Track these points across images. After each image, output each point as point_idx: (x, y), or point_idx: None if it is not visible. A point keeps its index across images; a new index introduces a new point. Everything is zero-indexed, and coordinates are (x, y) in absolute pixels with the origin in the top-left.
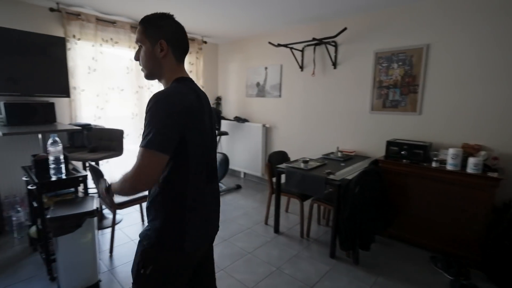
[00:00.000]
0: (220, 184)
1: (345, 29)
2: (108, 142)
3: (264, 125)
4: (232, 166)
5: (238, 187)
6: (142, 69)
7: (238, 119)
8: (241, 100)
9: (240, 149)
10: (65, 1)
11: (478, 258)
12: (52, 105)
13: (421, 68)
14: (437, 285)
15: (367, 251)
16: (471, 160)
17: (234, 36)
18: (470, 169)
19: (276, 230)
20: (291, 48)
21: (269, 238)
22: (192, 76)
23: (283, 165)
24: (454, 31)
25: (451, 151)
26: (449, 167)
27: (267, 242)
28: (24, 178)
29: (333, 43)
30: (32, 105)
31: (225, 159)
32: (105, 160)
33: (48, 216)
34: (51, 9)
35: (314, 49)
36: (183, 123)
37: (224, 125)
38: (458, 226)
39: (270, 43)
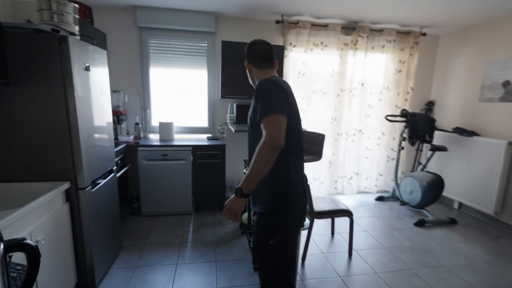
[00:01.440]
0: (423, 211)
1: None
2: (308, 145)
3: (510, 143)
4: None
5: (452, 222)
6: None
7: (460, 131)
8: (469, 106)
9: (457, 171)
10: (288, 12)
11: None
12: None
13: None
14: None
15: None
16: None
17: (468, 21)
18: None
19: None
20: None
21: None
22: (400, 76)
23: None
24: None
25: None
26: None
27: None
28: (245, 171)
29: None
30: None
31: (438, 182)
32: None
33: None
34: (277, 21)
35: None
36: (286, 99)
37: (437, 138)
38: None
39: None
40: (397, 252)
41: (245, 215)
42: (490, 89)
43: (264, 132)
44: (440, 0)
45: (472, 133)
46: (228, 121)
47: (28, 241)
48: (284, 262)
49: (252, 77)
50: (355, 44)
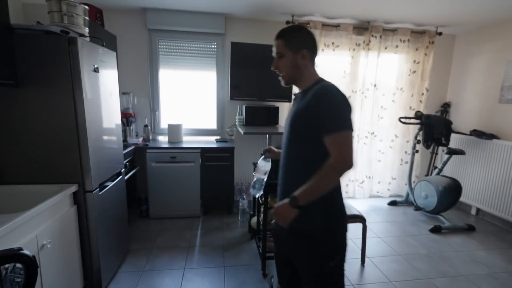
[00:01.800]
0: (439, 216)
1: None
2: None
3: None
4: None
5: (470, 228)
6: (281, 76)
7: (478, 134)
8: (488, 108)
9: (475, 175)
10: (298, 12)
11: None
12: (276, 109)
13: None
14: None
15: None
16: None
17: (486, 20)
18: None
19: None
20: None
21: None
22: (415, 77)
23: None
24: None
25: None
26: None
27: None
28: (254, 173)
29: None
30: (262, 108)
31: (455, 187)
32: None
33: (273, 221)
34: (287, 22)
35: None
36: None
37: (454, 141)
38: None
39: None
40: (412, 260)
41: (254, 220)
42: (511, 90)
43: (334, 150)
44: (452, 1)
45: (491, 136)
46: (237, 123)
47: (25, 252)
48: (342, 279)
49: (298, 69)
50: (367, 45)
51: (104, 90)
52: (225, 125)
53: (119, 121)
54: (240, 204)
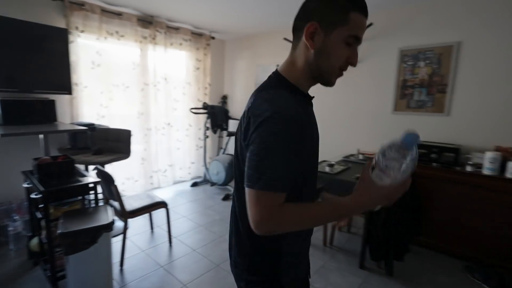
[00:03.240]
0: (228, 187)
1: (370, 24)
2: (115, 143)
3: None
4: None
5: None
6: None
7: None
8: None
9: None
10: None
11: None
12: (52, 103)
13: (450, 67)
14: None
15: (401, 261)
16: (511, 165)
17: (244, 32)
18: (510, 174)
19: None
20: None
21: None
22: (199, 73)
23: None
24: (488, 27)
25: (489, 154)
26: (486, 172)
27: None
28: (25, 185)
29: None
30: (30, 102)
31: (232, 162)
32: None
33: (59, 231)
34: None
35: None
36: None
37: (232, 125)
38: (496, 235)
39: (286, 39)
40: (211, 226)
41: (35, 241)
42: None
43: None
44: (219, 14)
45: None
46: None
47: None
48: None
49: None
50: (153, 39)
51: None
52: None
53: None
54: (11, 228)
